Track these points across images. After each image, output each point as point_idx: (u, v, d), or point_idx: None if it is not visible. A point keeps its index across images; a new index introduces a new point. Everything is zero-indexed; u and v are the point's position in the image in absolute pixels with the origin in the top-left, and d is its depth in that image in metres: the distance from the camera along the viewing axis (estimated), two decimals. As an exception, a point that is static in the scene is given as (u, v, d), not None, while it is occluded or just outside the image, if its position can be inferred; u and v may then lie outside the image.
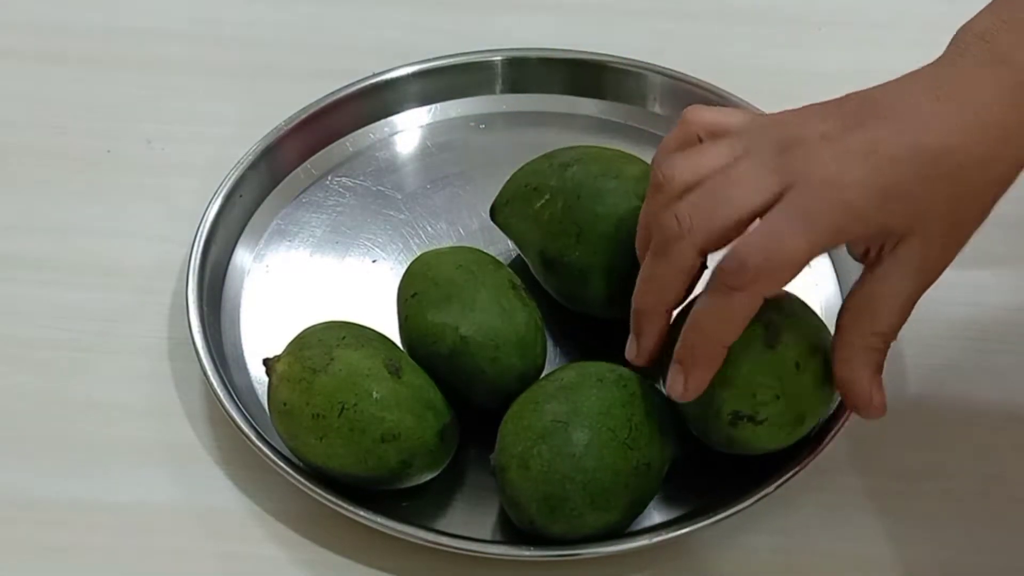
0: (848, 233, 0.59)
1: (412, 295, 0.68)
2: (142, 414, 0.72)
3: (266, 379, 0.66)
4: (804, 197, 0.58)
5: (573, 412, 0.63)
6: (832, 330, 0.64)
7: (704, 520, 0.65)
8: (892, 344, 0.63)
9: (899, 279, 0.60)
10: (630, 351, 0.65)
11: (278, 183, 0.80)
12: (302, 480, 0.65)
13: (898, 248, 0.60)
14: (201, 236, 0.75)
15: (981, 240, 0.80)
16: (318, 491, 0.65)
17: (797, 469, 0.66)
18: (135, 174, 0.83)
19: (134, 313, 0.76)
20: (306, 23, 0.92)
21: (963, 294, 0.77)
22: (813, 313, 0.67)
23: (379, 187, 0.81)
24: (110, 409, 0.72)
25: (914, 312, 0.76)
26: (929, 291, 0.76)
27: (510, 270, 0.70)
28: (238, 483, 0.69)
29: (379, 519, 0.64)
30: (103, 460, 0.70)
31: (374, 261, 0.77)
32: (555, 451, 0.62)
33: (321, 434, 0.64)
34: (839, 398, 0.66)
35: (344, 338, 0.66)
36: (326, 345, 0.65)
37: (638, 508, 0.65)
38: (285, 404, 0.65)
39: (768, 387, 0.63)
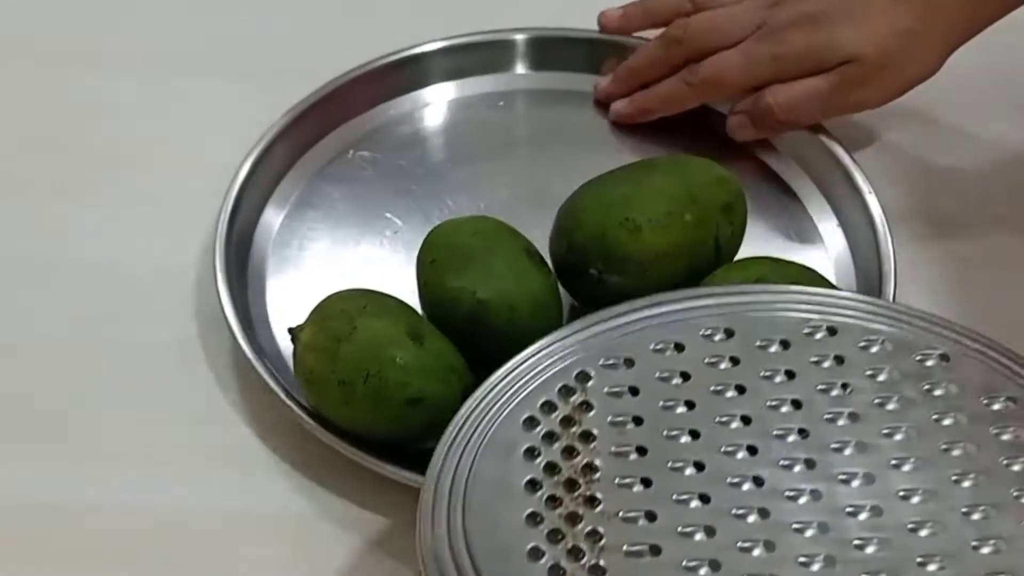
0: (781, 59, 0.77)
1: (431, 261, 0.70)
2: (142, 415, 0.71)
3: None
4: (759, 40, 0.78)
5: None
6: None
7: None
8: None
9: (822, 79, 0.77)
10: (601, 85, 0.84)
11: (301, 155, 0.81)
12: (332, 436, 0.66)
13: (838, 67, 0.76)
14: (228, 204, 0.75)
15: (981, 239, 0.80)
16: (352, 449, 0.66)
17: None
18: (135, 174, 0.82)
19: (134, 314, 0.75)
20: (306, 23, 0.92)
21: (963, 294, 0.77)
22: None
23: (401, 161, 0.82)
24: (110, 409, 0.72)
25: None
26: (929, 292, 0.76)
27: (526, 239, 0.71)
28: (246, 485, 0.69)
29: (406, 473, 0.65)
30: (104, 460, 0.70)
31: (395, 232, 0.78)
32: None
33: (347, 400, 0.65)
34: None
35: (366, 307, 0.67)
36: (348, 314, 0.66)
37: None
38: (311, 372, 0.66)
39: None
